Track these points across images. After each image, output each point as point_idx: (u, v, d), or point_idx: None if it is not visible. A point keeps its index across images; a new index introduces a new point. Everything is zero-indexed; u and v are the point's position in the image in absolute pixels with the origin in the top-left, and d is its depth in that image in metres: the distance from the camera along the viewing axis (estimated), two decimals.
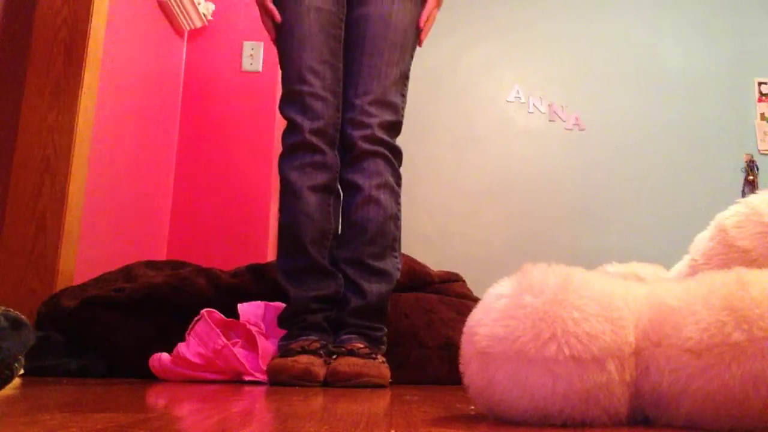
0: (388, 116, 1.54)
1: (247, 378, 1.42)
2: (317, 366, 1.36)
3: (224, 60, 2.82)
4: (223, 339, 1.43)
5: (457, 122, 3.82)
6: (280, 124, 1.62)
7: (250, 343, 1.49)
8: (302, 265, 1.50)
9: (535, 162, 3.78)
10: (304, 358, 1.36)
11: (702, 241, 0.78)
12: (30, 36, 1.94)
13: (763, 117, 3.85)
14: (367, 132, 1.52)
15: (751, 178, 3.72)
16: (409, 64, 1.61)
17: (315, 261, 1.49)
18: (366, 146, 1.52)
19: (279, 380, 1.34)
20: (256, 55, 2.80)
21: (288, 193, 1.52)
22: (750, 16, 3.96)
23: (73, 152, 1.90)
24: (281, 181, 1.55)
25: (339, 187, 1.57)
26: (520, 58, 3.93)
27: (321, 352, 1.41)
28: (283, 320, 1.51)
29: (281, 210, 1.54)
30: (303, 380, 1.33)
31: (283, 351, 1.41)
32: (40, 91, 1.91)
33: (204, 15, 2.76)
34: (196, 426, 0.60)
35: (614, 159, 3.78)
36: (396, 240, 1.56)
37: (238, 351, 1.45)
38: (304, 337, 1.43)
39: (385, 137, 1.54)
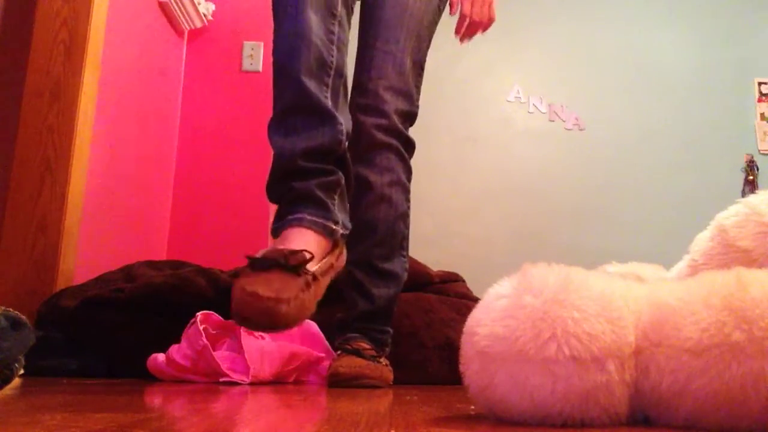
0: (403, 105, 1.47)
1: (222, 379, 1.38)
2: (286, 302, 0.98)
3: (224, 60, 2.82)
4: (204, 339, 1.40)
5: (457, 122, 3.82)
6: None
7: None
8: (291, 100, 1.20)
9: (535, 162, 3.78)
10: (270, 284, 0.99)
11: (702, 241, 0.78)
12: (30, 36, 1.93)
13: (763, 117, 3.84)
14: (383, 121, 1.44)
15: (751, 178, 3.72)
16: (425, 54, 1.53)
17: (308, 94, 1.19)
18: (380, 136, 1.44)
19: (241, 325, 1.03)
20: (256, 55, 2.80)
21: (280, 16, 1.24)
22: (750, 16, 3.96)
23: (73, 152, 1.90)
24: (272, 6, 1.28)
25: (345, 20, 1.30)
26: (520, 58, 3.93)
27: (304, 268, 1.05)
28: (268, 188, 1.21)
29: (273, 45, 1.25)
30: (266, 326, 1.00)
31: (251, 262, 1.05)
32: (40, 91, 1.91)
33: (204, 15, 2.76)
34: (195, 426, 0.59)
35: (614, 159, 3.78)
36: (405, 238, 1.51)
37: (224, 353, 1.43)
38: (291, 217, 1.13)
39: (401, 127, 1.47)
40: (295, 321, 1.02)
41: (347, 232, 1.22)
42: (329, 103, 1.21)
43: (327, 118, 1.20)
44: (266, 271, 1.02)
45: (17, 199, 1.86)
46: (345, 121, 1.25)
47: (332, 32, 1.25)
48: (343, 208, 1.23)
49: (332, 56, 1.24)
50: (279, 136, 1.19)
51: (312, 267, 1.08)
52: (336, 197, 1.19)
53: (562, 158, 3.78)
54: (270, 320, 0.98)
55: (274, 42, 1.24)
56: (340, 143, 1.21)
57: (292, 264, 1.03)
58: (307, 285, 1.05)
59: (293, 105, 1.20)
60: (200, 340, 1.40)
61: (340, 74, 1.26)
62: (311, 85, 1.19)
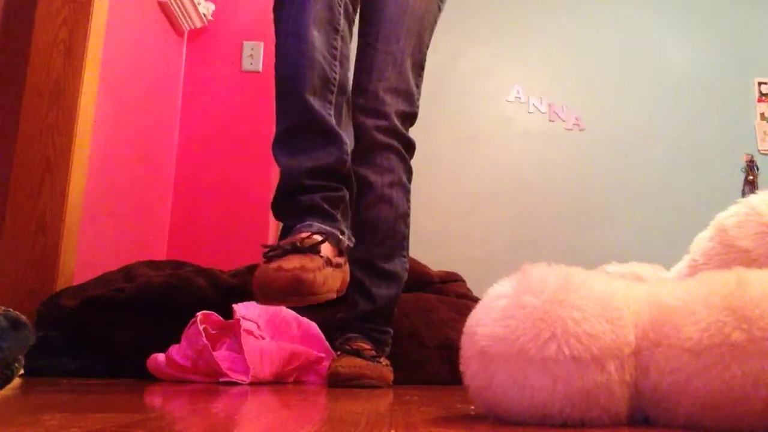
0: (403, 106, 1.47)
1: (222, 379, 1.37)
2: (311, 271, 1.01)
3: (224, 60, 2.82)
4: (204, 339, 1.40)
5: (457, 122, 3.82)
6: None
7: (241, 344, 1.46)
8: (295, 119, 1.22)
9: (535, 162, 3.78)
10: (293, 261, 1.01)
11: (702, 241, 0.78)
12: (30, 36, 1.93)
13: (763, 117, 3.84)
14: (384, 122, 1.44)
15: (751, 178, 3.72)
16: (426, 54, 1.53)
17: (313, 113, 1.21)
18: (381, 137, 1.44)
19: (266, 300, 1.05)
20: (256, 55, 2.80)
21: (282, 33, 1.26)
22: (750, 16, 3.96)
23: (73, 152, 1.90)
24: (274, 21, 1.29)
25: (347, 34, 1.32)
26: (520, 58, 3.93)
27: (319, 248, 1.07)
28: (274, 206, 1.23)
29: (276, 61, 1.27)
30: (293, 295, 1.00)
31: (268, 252, 1.07)
32: (40, 91, 1.91)
33: (204, 15, 2.76)
34: (195, 426, 0.59)
35: (614, 159, 3.77)
36: (405, 238, 1.51)
37: (223, 353, 1.43)
38: (300, 225, 1.14)
39: (401, 128, 1.47)
40: (320, 289, 1.03)
41: (352, 245, 1.25)
42: (333, 121, 1.23)
43: (332, 138, 1.22)
44: (283, 258, 1.03)
45: (17, 199, 1.86)
46: (349, 137, 1.27)
47: (335, 48, 1.27)
48: (346, 224, 1.25)
49: (335, 73, 1.26)
50: (284, 156, 1.21)
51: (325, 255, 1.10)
52: (339, 212, 1.22)
53: (562, 158, 3.78)
54: (295, 288, 1.00)
55: (277, 57, 1.26)
56: (344, 163, 1.23)
57: (308, 245, 1.06)
58: (327, 263, 1.08)
59: (298, 124, 1.22)
60: (200, 340, 1.40)
61: (343, 91, 1.28)
62: (316, 103, 1.21)
